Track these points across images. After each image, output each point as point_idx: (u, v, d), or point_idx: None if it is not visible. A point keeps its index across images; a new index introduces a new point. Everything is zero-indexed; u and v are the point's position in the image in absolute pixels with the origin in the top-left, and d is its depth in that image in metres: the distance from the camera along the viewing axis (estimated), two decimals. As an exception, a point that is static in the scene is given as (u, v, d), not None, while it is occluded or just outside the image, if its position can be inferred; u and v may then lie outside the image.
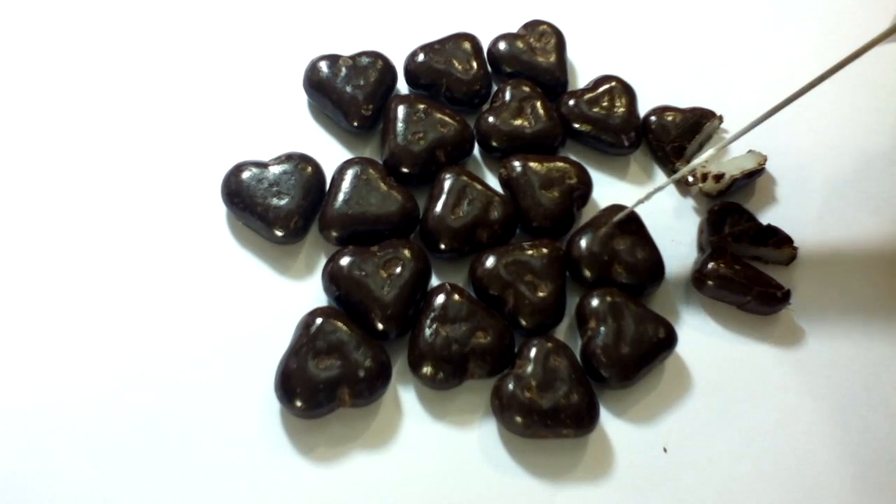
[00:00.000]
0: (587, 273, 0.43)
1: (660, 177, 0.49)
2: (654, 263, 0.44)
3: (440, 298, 0.42)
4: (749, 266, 0.44)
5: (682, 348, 0.43)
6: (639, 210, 0.45)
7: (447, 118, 0.47)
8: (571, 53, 0.52)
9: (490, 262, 0.43)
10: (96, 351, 0.41)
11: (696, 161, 0.43)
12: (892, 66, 0.52)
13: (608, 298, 0.42)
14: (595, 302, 0.42)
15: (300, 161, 0.45)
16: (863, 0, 0.55)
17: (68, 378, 0.41)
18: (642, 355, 0.41)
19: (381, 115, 0.48)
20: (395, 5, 0.54)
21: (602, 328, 0.41)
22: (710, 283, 0.44)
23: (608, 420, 0.41)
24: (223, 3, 0.53)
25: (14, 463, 0.38)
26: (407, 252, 0.42)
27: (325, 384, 0.39)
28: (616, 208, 0.45)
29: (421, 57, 0.49)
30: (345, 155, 0.47)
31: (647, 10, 0.55)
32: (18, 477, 0.38)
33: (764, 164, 0.48)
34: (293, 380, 0.39)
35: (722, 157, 0.49)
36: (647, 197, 0.43)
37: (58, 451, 0.39)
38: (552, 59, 0.50)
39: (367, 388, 0.39)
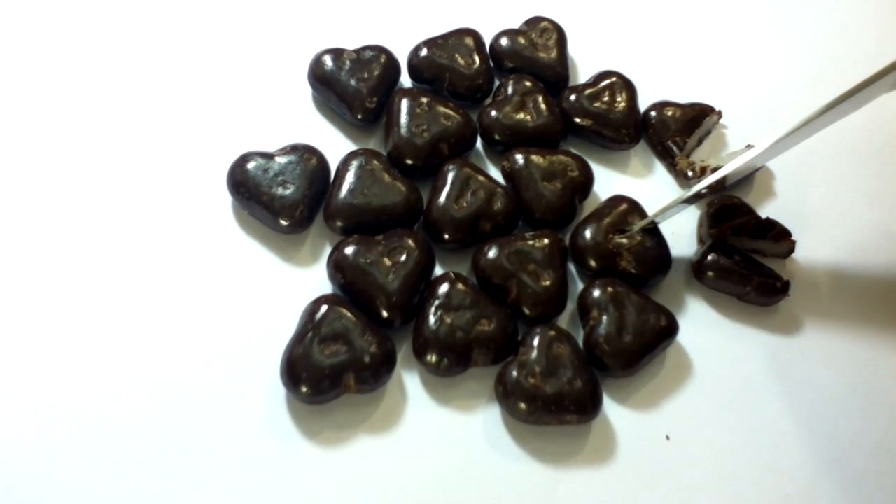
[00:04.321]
0: (592, 263, 0.44)
1: (660, 171, 0.50)
2: (660, 254, 0.45)
3: (444, 287, 0.42)
4: (749, 257, 0.45)
5: (683, 338, 0.44)
6: (642, 202, 0.46)
7: (450, 112, 0.47)
8: (572, 49, 0.53)
9: (493, 252, 0.43)
10: (104, 340, 0.41)
11: (716, 176, 0.43)
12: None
13: (609, 289, 0.43)
14: (597, 292, 0.43)
15: (305, 152, 0.45)
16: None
17: (76, 364, 0.41)
18: (644, 344, 0.42)
19: (385, 109, 0.48)
20: (399, 1, 0.54)
21: (604, 318, 0.42)
22: (710, 274, 0.44)
23: (611, 407, 0.42)
24: (229, -2, 0.54)
25: (26, 443, 0.39)
26: (411, 241, 0.43)
27: (331, 370, 0.39)
28: (619, 199, 0.46)
29: (424, 52, 0.50)
30: (349, 147, 0.48)
31: (646, 7, 0.56)
32: (33, 456, 0.38)
33: (763, 158, 0.48)
34: (299, 366, 0.39)
35: (721, 152, 0.50)
36: (666, 209, 0.44)
37: (66, 438, 0.39)
38: (553, 54, 0.51)
39: (372, 374, 0.40)
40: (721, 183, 0.47)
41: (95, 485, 0.38)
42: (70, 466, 0.38)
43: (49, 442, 0.39)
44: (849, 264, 0.47)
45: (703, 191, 0.44)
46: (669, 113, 0.50)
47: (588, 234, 0.44)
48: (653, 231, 0.45)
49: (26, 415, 0.39)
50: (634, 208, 0.45)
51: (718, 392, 0.43)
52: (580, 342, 0.42)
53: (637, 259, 0.44)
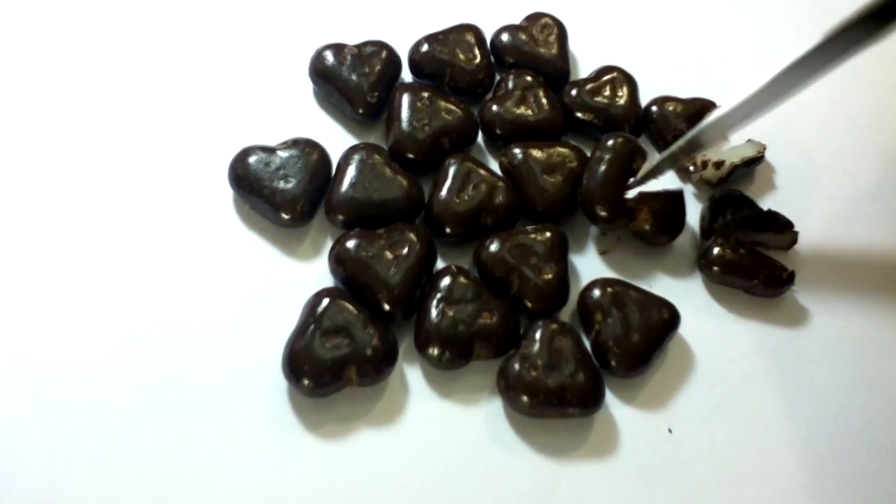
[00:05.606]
0: (604, 213, 0.44)
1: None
2: (677, 217, 0.45)
3: (446, 280, 0.42)
4: (753, 250, 0.45)
5: (686, 331, 0.43)
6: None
7: (451, 106, 0.47)
8: (573, 45, 0.53)
9: (494, 246, 0.43)
10: (104, 333, 0.41)
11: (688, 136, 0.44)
12: (890, 59, 0.53)
13: (609, 289, 0.43)
14: (597, 293, 0.43)
15: (306, 146, 0.45)
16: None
17: (77, 356, 0.41)
18: (651, 340, 0.42)
19: (386, 104, 0.48)
20: (399, -3, 0.55)
21: (609, 320, 0.42)
22: (716, 268, 0.44)
23: (613, 400, 0.42)
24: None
25: (26, 433, 0.39)
26: (412, 235, 0.43)
27: (332, 363, 0.39)
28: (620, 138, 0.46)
29: (425, 47, 0.50)
30: (350, 142, 0.48)
31: (647, 2, 0.56)
32: (29, 447, 0.38)
33: (763, 152, 0.48)
34: (300, 359, 0.39)
35: (722, 146, 0.50)
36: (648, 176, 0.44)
37: (66, 432, 0.39)
38: (554, 50, 0.51)
39: (374, 368, 0.40)
40: (694, 146, 0.45)
41: (96, 479, 0.38)
42: (70, 461, 0.38)
43: (50, 435, 0.39)
44: (851, 255, 0.47)
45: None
46: (670, 108, 0.50)
47: (602, 184, 0.44)
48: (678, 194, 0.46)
49: (25, 409, 0.39)
50: (637, 151, 0.46)
51: (721, 386, 0.43)
52: (581, 336, 0.42)
53: (655, 218, 0.44)
